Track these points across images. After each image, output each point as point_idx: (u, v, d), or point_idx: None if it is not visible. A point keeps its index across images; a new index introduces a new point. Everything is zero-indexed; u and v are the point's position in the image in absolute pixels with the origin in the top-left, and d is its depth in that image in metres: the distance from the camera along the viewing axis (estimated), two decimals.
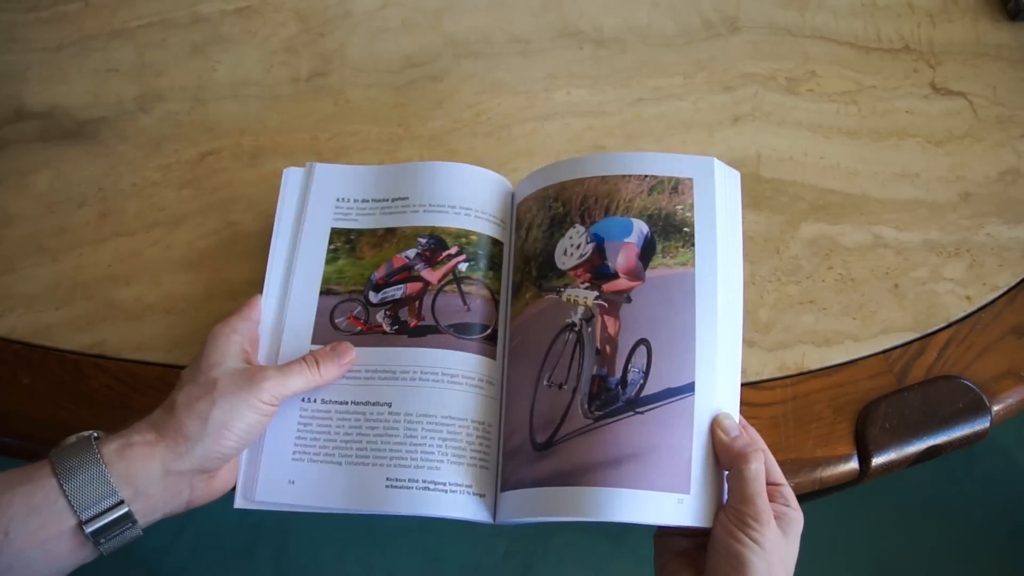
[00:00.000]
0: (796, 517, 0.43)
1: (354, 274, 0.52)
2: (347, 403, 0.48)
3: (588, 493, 0.44)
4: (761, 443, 0.45)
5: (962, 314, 0.57)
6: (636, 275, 0.48)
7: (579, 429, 0.45)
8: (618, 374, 0.46)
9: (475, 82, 0.65)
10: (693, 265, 0.47)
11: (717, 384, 0.45)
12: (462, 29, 0.68)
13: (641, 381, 0.45)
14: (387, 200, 0.54)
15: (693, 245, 0.48)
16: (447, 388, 0.48)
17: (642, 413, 0.45)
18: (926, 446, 0.52)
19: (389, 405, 0.48)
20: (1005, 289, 0.58)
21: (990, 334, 0.56)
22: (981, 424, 0.53)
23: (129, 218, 0.59)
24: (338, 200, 0.54)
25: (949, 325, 0.57)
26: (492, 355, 0.50)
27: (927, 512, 1.20)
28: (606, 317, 0.47)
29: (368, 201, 0.54)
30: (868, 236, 0.60)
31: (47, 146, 0.61)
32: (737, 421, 0.45)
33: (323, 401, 0.49)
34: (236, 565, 1.14)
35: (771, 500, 0.43)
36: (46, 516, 0.38)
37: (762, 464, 0.43)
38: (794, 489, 0.52)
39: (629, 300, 0.47)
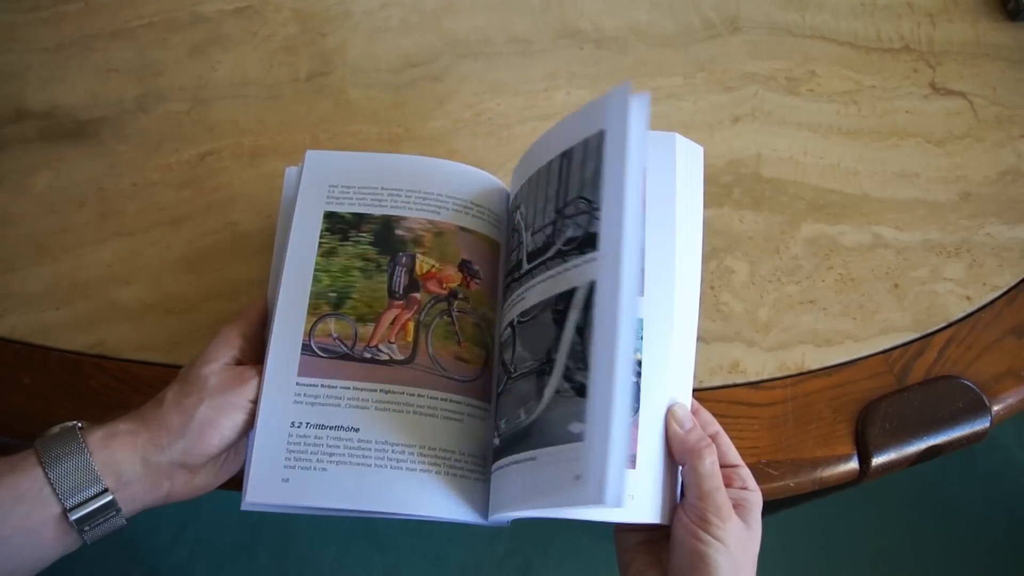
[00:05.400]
0: (755, 500, 0.42)
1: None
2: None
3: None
4: (715, 425, 0.44)
5: (962, 314, 0.57)
6: None
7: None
8: None
9: (475, 82, 0.65)
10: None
11: (669, 370, 0.43)
12: (462, 29, 0.68)
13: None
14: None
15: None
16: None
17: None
18: (926, 446, 0.52)
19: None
20: (1005, 289, 0.58)
21: (990, 334, 0.56)
22: (981, 424, 0.53)
23: (129, 218, 0.59)
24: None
25: (949, 325, 0.57)
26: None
27: (927, 512, 1.20)
28: None
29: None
30: (868, 236, 0.60)
31: (47, 146, 0.61)
32: (690, 408, 0.43)
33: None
34: (236, 565, 1.14)
35: (729, 485, 0.42)
36: (31, 504, 0.39)
37: (716, 456, 0.41)
38: (794, 489, 0.52)
39: None
